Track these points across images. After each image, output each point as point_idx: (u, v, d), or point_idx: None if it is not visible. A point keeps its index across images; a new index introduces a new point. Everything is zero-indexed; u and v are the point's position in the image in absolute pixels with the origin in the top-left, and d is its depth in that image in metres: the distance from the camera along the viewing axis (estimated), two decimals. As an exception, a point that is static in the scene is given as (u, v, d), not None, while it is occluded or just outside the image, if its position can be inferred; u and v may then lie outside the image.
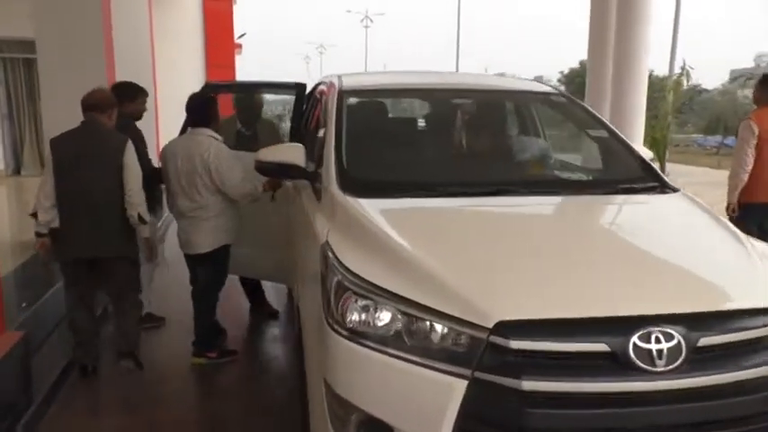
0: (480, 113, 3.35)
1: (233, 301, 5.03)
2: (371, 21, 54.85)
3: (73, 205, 3.47)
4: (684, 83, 10.54)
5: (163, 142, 4.12)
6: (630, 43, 6.15)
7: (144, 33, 8.17)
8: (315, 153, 2.99)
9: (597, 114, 3.25)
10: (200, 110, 3.82)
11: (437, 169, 2.83)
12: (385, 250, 2.06)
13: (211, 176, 3.65)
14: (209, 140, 3.71)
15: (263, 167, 3.00)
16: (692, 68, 10.18)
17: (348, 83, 3.27)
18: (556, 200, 2.56)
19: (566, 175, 2.91)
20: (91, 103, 3.57)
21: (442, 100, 3.33)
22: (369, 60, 55.64)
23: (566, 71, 43.33)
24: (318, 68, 69.28)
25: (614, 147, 3.02)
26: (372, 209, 2.31)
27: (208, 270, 3.90)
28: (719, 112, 31.69)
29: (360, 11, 57.27)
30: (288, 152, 2.96)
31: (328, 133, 2.87)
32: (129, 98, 4.30)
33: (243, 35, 16.90)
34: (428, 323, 1.84)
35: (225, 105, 4.52)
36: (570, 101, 3.33)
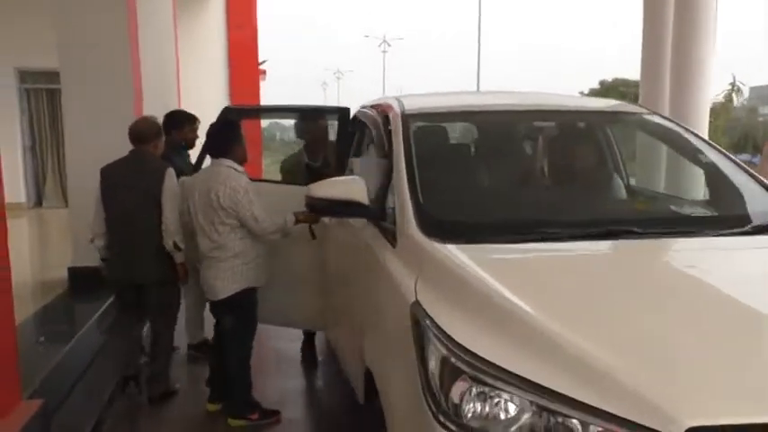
0: (566, 138, 2.90)
1: (266, 349, 4.57)
2: (389, 45, 55.04)
3: (117, 231, 3.60)
4: (735, 101, 9.80)
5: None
6: (691, 58, 5.67)
7: (170, 63, 7.92)
8: (375, 187, 2.57)
9: (703, 137, 2.78)
10: (216, 138, 3.41)
11: (531, 206, 2.38)
12: (503, 317, 1.60)
13: (228, 212, 3.24)
14: (227, 172, 3.29)
15: (316, 205, 2.56)
16: (743, 85, 9.51)
17: (411, 105, 2.84)
18: (691, 243, 2.05)
19: (686, 210, 2.40)
20: (134, 134, 3.64)
21: (522, 123, 2.89)
22: (387, 85, 55.76)
23: (586, 91, 42.80)
24: (336, 94, 69.69)
25: (732, 174, 2.54)
26: (471, 259, 1.86)
27: (231, 319, 3.43)
28: (747, 129, 30.97)
29: (377, 36, 57.34)
30: (347, 187, 2.51)
31: (397, 165, 2.44)
32: (177, 127, 4.32)
33: (264, 62, 16.77)
34: (577, 422, 1.37)
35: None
36: (670, 121, 2.87)
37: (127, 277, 3.61)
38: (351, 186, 2.51)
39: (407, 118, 2.69)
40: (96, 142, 4.55)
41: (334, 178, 2.72)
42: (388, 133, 2.76)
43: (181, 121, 4.38)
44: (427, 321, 1.68)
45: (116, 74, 5.07)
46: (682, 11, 5.81)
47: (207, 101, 10.21)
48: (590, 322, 1.55)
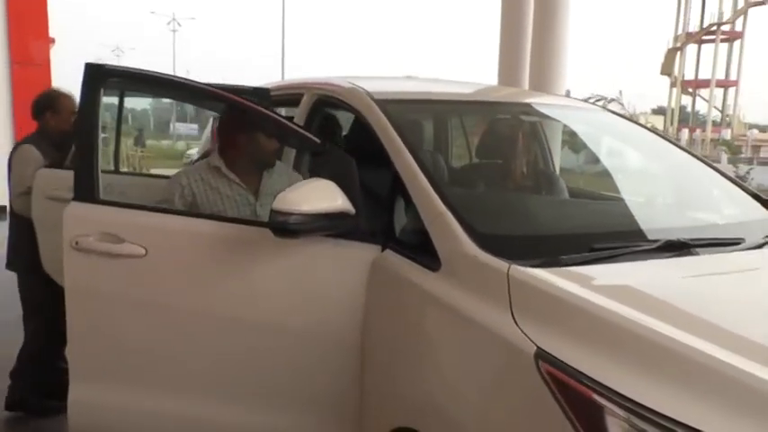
0: (541, 134, 2.65)
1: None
2: (179, 25, 50.94)
3: None
4: None
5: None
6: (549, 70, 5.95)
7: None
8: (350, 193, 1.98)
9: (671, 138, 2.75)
10: None
11: (577, 214, 2.07)
12: (690, 371, 1.24)
13: None
14: None
15: (294, 224, 1.77)
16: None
17: (375, 90, 2.32)
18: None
19: (727, 220, 2.25)
20: None
21: (510, 117, 2.54)
22: (177, 66, 51.68)
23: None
24: (114, 73, 62.80)
25: (713, 178, 2.51)
26: (590, 290, 1.47)
27: None
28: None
29: (165, 14, 52.26)
30: (328, 195, 1.86)
31: (403, 164, 1.93)
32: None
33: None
34: None
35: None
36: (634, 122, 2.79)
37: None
38: (332, 192, 1.87)
39: (384, 105, 2.18)
40: None
41: (302, 184, 1.97)
42: (359, 124, 2.24)
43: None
44: (589, 383, 1.25)
45: None
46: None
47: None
48: None
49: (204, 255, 2.03)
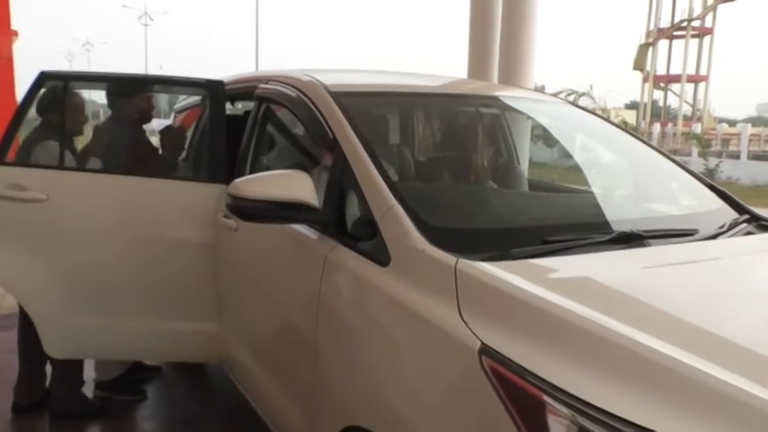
0: (501, 127, 2.62)
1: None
2: (151, 19, 50.23)
3: None
4: None
5: None
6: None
7: None
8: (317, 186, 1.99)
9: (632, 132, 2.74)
10: None
11: (531, 207, 2.04)
12: (637, 368, 1.21)
13: None
14: None
15: (247, 208, 1.90)
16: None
17: (330, 82, 2.29)
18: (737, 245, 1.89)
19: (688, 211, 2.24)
20: None
21: (469, 110, 2.51)
22: (149, 61, 50.99)
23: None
24: (85, 67, 61.94)
25: (674, 173, 2.50)
26: (537, 283, 1.44)
27: None
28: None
29: (138, 7, 51.45)
30: (291, 184, 1.90)
31: (354, 159, 1.90)
32: None
33: None
34: None
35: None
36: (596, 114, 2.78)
37: None
38: (296, 183, 1.90)
39: (339, 98, 2.14)
40: None
41: (266, 172, 2.07)
42: (314, 117, 2.19)
43: None
44: (531, 379, 1.22)
45: None
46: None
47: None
48: (729, 356, 1.24)
49: None
